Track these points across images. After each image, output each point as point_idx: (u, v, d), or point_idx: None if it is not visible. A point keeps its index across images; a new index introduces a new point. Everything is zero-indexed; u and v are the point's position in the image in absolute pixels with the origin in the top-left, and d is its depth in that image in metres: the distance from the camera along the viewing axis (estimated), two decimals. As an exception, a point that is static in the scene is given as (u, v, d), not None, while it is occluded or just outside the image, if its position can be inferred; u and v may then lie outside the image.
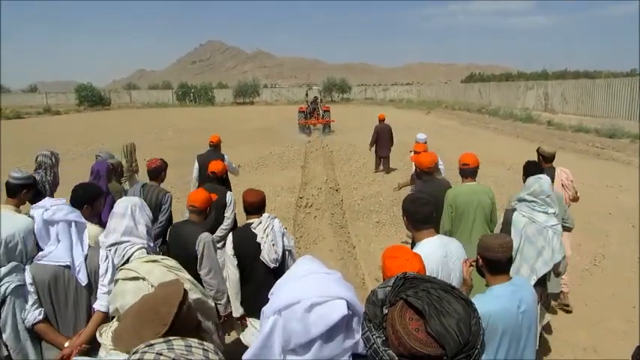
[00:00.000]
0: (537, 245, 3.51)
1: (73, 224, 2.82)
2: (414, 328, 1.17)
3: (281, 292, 1.52)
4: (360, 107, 45.44)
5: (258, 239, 3.42)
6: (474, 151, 4.51)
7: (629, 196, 9.52)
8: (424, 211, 2.76)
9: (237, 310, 3.53)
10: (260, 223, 3.50)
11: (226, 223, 4.90)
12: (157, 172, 4.98)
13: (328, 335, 1.41)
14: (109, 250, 3.03)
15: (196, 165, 6.57)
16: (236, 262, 3.47)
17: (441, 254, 2.69)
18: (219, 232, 4.79)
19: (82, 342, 2.61)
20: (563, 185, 5.01)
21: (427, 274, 2.29)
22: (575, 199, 5.13)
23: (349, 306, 1.43)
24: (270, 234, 3.46)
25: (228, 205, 4.90)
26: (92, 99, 52.98)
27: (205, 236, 3.42)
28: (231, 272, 3.49)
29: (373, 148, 12.79)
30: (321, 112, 23.00)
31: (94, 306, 2.75)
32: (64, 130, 26.99)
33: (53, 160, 5.77)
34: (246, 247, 3.43)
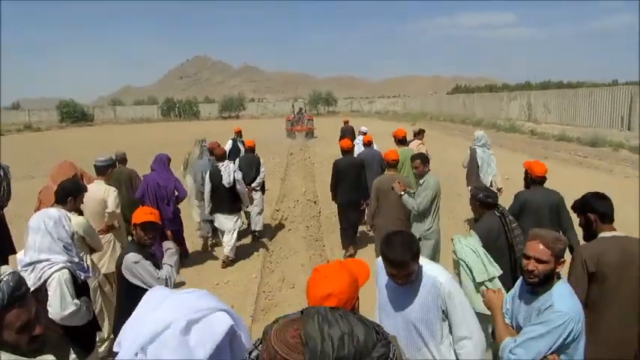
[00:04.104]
0: (490, 162, 7.42)
1: None
2: (290, 336, 0.97)
3: (136, 328, 1.14)
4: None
5: (222, 173, 6.59)
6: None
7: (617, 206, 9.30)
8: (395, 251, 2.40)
9: (207, 208, 6.83)
10: (223, 165, 6.68)
11: (261, 175, 7.89)
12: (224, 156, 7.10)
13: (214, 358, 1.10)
14: (25, 271, 2.70)
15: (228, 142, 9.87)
16: (210, 185, 6.65)
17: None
18: (258, 180, 7.82)
19: None
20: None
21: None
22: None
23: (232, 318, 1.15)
24: (227, 170, 6.61)
25: (261, 165, 7.92)
26: (74, 115, 52.22)
27: (126, 258, 3.12)
28: (207, 190, 6.72)
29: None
30: (305, 121, 27.15)
31: None
32: (40, 147, 26.42)
33: (2, 173, 5.42)
34: (216, 177, 6.63)
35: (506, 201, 4.65)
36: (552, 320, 2.16)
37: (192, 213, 8.01)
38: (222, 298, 5.06)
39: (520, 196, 4.54)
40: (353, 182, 6.86)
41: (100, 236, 4.65)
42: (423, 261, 2.45)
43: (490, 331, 2.60)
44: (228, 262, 6.81)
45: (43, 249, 2.69)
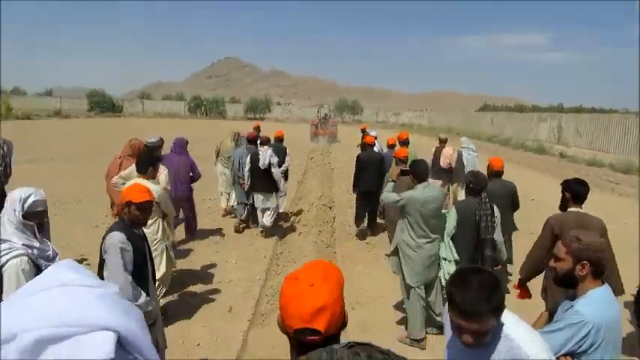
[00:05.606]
0: (473, 163, 8.34)
1: None
2: None
3: None
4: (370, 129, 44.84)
5: (260, 156, 7.39)
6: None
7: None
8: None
9: (246, 185, 7.68)
10: (262, 150, 7.50)
11: (286, 164, 8.83)
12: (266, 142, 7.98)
13: None
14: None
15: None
16: (250, 166, 7.49)
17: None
18: (283, 167, 8.50)
19: None
20: (444, 155, 9.09)
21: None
22: (447, 164, 9.02)
23: (122, 343, 0.74)
24: (264, 154, 7.38)
25: (287, 154, 9.00)
26: (103, 105, 53.00)
27: (111, 236, 2.81)
28: (246, 169, 7.54)
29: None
30: (329, 125, 28.15)
31: None
32: (64, 133, 26.72)
33: (5, 149, 5.25)
34: (255, 159, 7.45)
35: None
36: (567, 319, 2.12)
37: (221, 200, 9.11)
38: (220, 298, 4.71)
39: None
40: (373, 173, 7.77)
41: None
42: (509, 318, 1.73)
43: None
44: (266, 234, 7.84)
45: (6, 231, 2.36)
